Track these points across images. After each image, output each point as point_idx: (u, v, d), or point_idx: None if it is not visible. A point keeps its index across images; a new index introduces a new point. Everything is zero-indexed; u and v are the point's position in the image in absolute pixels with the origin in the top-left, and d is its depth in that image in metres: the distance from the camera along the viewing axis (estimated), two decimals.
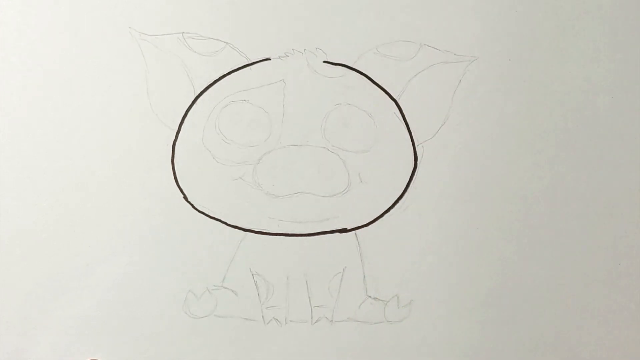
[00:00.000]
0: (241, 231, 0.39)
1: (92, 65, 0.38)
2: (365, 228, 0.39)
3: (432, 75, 0.39)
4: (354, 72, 0.39)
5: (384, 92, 0.39)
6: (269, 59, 0.39)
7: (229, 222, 0.39)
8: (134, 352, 0.39)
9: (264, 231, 0.39)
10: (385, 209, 0.39)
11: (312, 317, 0.39)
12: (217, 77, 0.39)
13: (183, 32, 0.39)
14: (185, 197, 0.39)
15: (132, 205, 0.39)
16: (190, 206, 0.39)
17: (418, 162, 0.39)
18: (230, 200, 0.39)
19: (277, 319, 0.39)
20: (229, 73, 0.39)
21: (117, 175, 0.39)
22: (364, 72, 0.39)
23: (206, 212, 0.39)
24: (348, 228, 0.39)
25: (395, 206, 0.39)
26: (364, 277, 0.39)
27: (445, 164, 0.39)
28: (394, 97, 0.39)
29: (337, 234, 0.39)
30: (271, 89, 0.39)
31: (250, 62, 0.39)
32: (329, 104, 0.39)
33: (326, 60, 0.39)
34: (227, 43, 0.39)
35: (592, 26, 0.39)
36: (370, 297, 0.39)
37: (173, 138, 0.39)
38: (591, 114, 0.39)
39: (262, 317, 0.39)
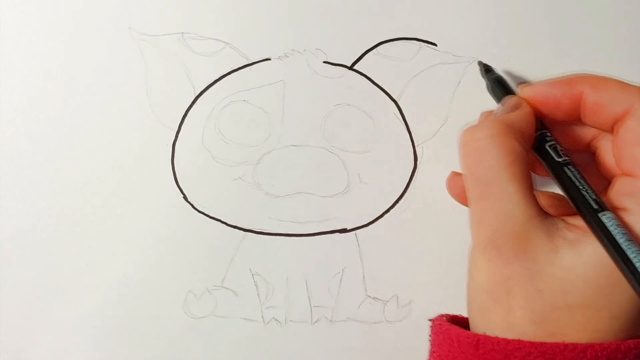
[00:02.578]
0: (241, 231, 0.39)
1: (92, 65, 0.38)
2: (365, 228, 0.39)
3: (432, 76, 0.39)
4: (353, 72, 0.39)
5: (383, 92, 0.39)
6: (269, 59, 0.39)
7: (229, 222, 0.39)
8: (133, 352, 0.39)
9: (264, 231, 0.39)
10: (385, 209, 0.39)
11: (311, 317, 0.39)
12: (217, 77, 0.39)
13: (183, 32, 0.39)
14: (185, 198, 0.39)
15: (132, 205, 0.39)
16: (190, 206, 0.39)
17: (418, 163, 0.39)
18: (230, 200, 0.39)
19: (277, 319, 0.39)
20: (228, 73, 0.39)
21: (116, 175, 0.39)
22: (364, 72, 0.39)
23: (206, 212, 0.39)
24: (348, 228, 0.39)
25: (395, 206, 0.39)
26: (364, 277, 0.39)
27: (445, 164, 0.39)
28: (394, 97, 0.39)
29: (337, 234, 0.39)
30: (271, 89, 0.39)
31: (250, 62, 0.39)
32: (329, 105, 0.39)
33: (326, 60, 0.39)
34: (227, 43, 0.39)
35: (592, 26, 0.39)
36: (369, 297, 0.39)
37: (173, 138, 0.39)
38: None
39: (262, 317, 0.39)
